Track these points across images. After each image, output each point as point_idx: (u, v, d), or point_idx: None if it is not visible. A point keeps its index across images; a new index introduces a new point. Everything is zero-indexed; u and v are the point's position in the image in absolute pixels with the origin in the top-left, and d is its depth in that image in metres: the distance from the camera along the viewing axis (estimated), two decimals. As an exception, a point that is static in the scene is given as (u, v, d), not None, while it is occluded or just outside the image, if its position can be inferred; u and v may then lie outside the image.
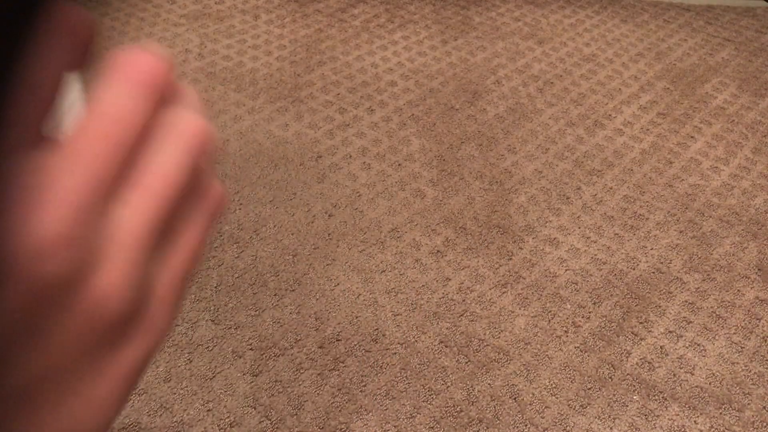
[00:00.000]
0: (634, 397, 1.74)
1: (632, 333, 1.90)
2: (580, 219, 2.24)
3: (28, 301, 0.19)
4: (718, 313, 1.97)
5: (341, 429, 1.63)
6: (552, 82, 2.88)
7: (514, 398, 1.72)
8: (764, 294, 2.03)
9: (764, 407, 1.74)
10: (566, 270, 2.06)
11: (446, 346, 1.82)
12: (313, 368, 1.75)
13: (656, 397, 1.74)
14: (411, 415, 1.67)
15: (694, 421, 1.70)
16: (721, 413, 1.72)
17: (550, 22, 3.32)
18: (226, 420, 1.62)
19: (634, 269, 2.08)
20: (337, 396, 1.69)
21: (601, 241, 2.16)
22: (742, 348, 1.88)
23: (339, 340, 1.82)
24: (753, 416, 1.72)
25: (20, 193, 0.18)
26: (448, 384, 1.74)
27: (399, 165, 2.39)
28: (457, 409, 1.68)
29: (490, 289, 1.99)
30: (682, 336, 1.90)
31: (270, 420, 1.63)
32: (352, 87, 2.76)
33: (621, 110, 2.75)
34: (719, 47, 3.22)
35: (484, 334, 1.86)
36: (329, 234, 2.11)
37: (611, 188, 2.37)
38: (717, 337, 1.90)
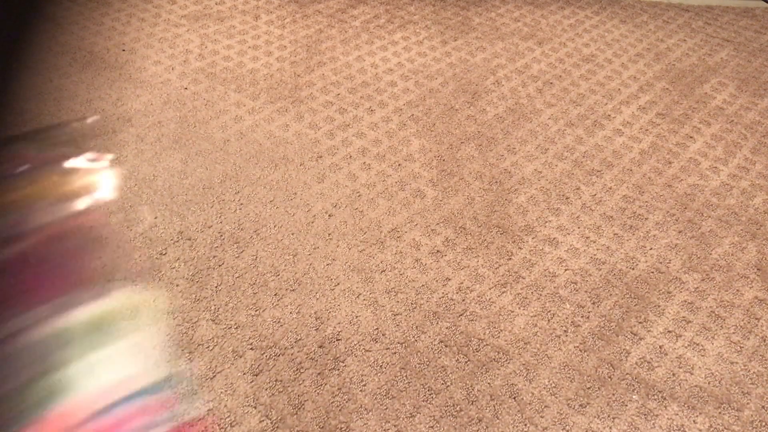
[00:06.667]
0: (634, 397, 1.74)
1: (631, 333, 1.90)
2: (580, 219, 2.24)
3: None
4: (717, 312, 1.97)
5: (341, 428, 1.63)
6: (551, 83, 2.89)
7: (514, 398, 1.72)
8: (763, 294, 2.04)
9: (763, 407, 1.74)
10: (566, 270, 2.07)
11: (446, 346, 1.83)
12: (314, 368, 1.75)
13: (655, 397, 1.75)
14: (411, 414, 1.67)
15: (693, 421, 1.70)
16: (720, 413, 1.72)
17: (549, 23, 3.33)
18: (227, 419, 1.62)
19: (633, 269, 2.08)
20: (337, 395, 1.70)
21: (600, 241, 2.17)
22: (741, 348, 1.88)
23: (339, 339, 1.82)
24: (752, 416, 1.72)
25: None
26: (448, 383, 1.74)
27: (399, 165, 2.40)
28: (457, 409, 1.69)
29: (489, 289, 1.99)
30: (681, 336, 1.90)
31: (270, 419, 1.63)
32: (352, 87, 2.76)
33: (620, 110, 2.75)
34: (718, 48, 3.23)
35: (484, 334, 1.86)
36: (329, 234, 2.12)
37: (610, 188, 2.37)
38: (716, 337, 1.91)
